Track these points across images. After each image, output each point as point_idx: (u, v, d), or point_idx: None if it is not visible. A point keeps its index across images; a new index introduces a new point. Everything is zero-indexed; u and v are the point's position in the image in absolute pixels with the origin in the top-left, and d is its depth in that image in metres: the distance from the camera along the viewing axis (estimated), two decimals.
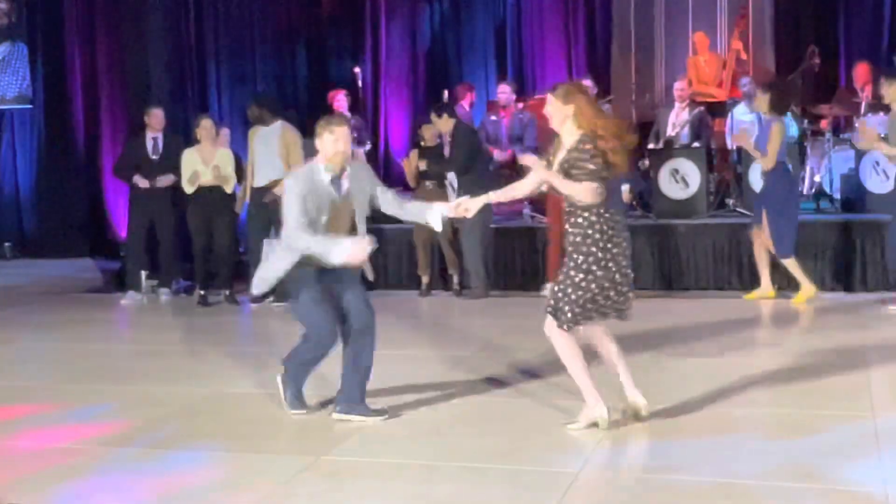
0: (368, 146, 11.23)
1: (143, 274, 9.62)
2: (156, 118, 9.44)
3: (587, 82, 10.71)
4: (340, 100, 11.10)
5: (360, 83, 12.12)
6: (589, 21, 13.13)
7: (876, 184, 9.17)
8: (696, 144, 10.01)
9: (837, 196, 9.66)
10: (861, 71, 10.46)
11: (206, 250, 9.08)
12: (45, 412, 5.44)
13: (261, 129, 8.82)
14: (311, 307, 4.95)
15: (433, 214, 5.03)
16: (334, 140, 4.90)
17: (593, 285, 4.62)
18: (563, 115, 4.71)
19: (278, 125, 8.76)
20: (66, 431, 5.03)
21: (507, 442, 4.60)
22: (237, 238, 9.36)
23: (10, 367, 6.79)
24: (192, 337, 7.68)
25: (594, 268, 4.62)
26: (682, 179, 9.47)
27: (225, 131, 9.87)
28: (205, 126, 8.99)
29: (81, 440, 4.86)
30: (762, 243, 8.15)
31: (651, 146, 10.25)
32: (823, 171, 9.81)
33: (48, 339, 7.81)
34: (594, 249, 4.63)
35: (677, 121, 10.33)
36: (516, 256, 9.43)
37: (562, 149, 4.72)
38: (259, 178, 8.76)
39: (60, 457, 4.61)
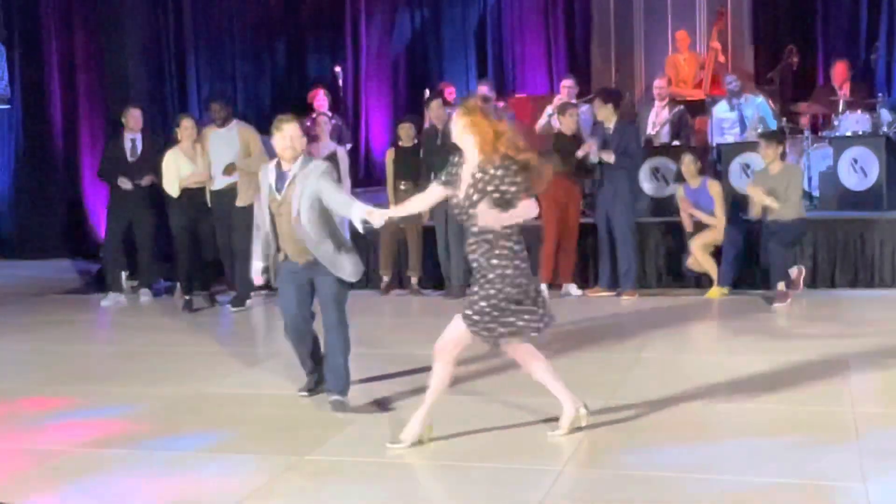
0: (349, 145, 11.21)
1: (123, 275, 9.57)
2: (133, 118, 9.36)
3: (568, 81, 10.79)
4: (320, 98, 11.08)
5: (340, 82, 12.10)
6: (569, 20, 13.17)
7: (854, 181, 9.25)
8: (676, 143, 10.05)
9: (816, 194, 9.72)
10: (839, 69, 10.53)
11: (191, 253, 8.82)
12: (23, 414, 5.40)
13: (216, 131, 8.70)
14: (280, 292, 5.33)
15: (355, 212, 4.93)
16: (281, 138, 5.15)
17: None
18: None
19: (234, 124, 8.74)
20: (45, 434, 5.00)
21: (490, 441, 4.60)
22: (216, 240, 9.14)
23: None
24: (172, 338, 7.63)
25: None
26: (662, 178, 9.51)
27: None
28: (185, 126, 8.73)
29: (60, 442, 4.82)
30: (705, 248, 8.40)
31: None
32: (802, 168, 9.85)
33: (27, 341, 7.73)
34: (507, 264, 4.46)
35: (657, 120, 10.38)
36: None
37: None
38: (218, 181, 8.67)
39: (40, 459, 4.58)
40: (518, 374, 5.79)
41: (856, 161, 9.23)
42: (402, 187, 9.09)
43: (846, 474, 3.99)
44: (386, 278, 9.27)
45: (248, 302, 8.74)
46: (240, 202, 8.58)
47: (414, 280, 9.19)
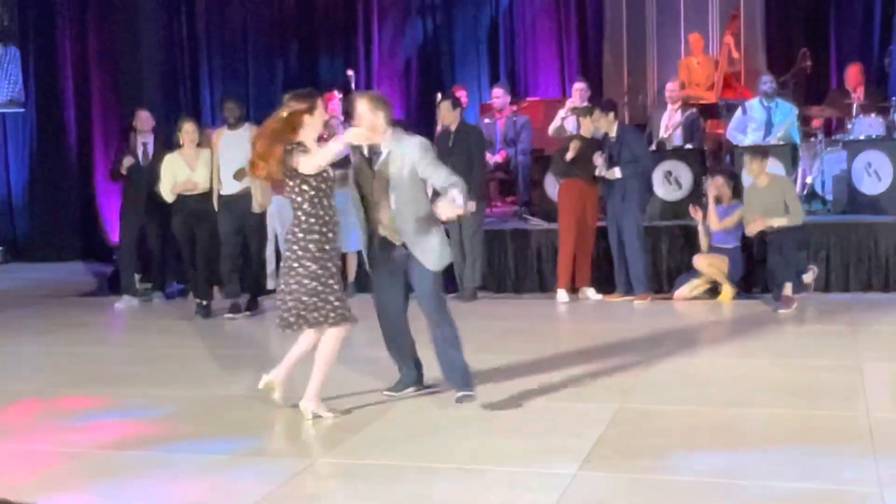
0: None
1: (137, 277, 9.60)
2: (140, 120, 9.38)
3: (579, 85, 10.79)
4: (335, 102, 11.11)
5: (353, 86, 12.11)
6: (581, 23, 13.15)
7: (868, 185, 9.22)
8: (688, 146, 10.04)
9: (829, 197, 9.70)
10: (853, 72, 10.49)
11: (196, 259, 8.62)
12: (40, 416, 5.43)
13: (227, 133, 8.45)
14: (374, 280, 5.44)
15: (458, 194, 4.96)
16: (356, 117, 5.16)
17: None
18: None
19: (246, 127, 8.41)
20: (60, 435, 5.02)
21: (505, 443, 4.60)
22: (218, 247, 8.66)
23: (3, 371, 6.77)
24: (186, 340, 7.66)
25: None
26: (675, 181, 9.50)
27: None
28: (187, 130, 8.50)
29: (75, 444, 4.84)
30: (711, 265, 8.43)
31: None
32: (815, 172, 9.84)
33: (41, 343, 7.79)
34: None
35: (670, 123, 10.36)
36: (508, 258, 9.44)
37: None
38: (228, 186, 8.38)
39: (55, 461, 4.60)
40: (533, 378, 5.80)
41: (870, 165, 9.20)
42: None
43: (862, 480, 3.97)
44: None
45: (259, 305, 8.68)
46: (254, 208, 8.41)
47: None
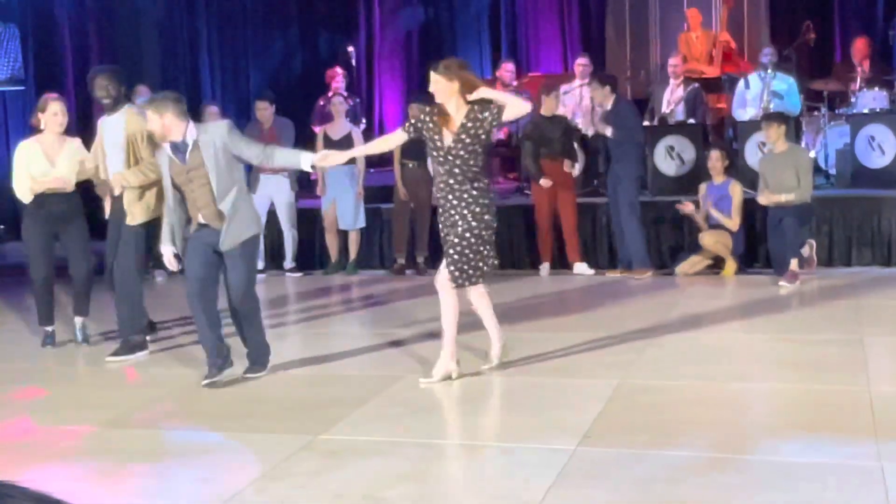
0: (363, 125, 11.18)
1: None
2: (140, 95, 9.34)
3: (582, 60, 10.73)
4: (339, 78, 11.05)
5: (353, 62, 12.06)
6: None
7: (871, 159, 9.17)
8: (691, 121, 9.98)
9: (833, 171, 9.65)
10: (859, 45, 10.41)
11: (49, 278, 6.71)
12: (41, 394, 5.42)
13: (105, 118, 6.39)
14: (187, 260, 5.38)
15: (305, 158, 5.36)
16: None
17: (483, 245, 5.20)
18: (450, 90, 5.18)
19: (123, 111, 6.27)
20: (63, 413, 5.02)
21: (503, 420, 4.60)
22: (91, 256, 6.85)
23: (4, 349, 6.77)
24: (185, 319, 7.63)
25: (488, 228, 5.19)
26: (677, 156, 9.45)
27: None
28: (54, 110, 6.41)
29: (79, 421, 4.85)
30: (717, 241, 8.36)
31: (646, 123, 10.21)
32: (819, 146, 9.78)
33: None
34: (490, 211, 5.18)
35: (672, 98, 10.29)
36: (512, 234, 9.42)
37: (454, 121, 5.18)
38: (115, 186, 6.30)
39: (57, 439, 4.60)
40: (533, 353, 5.79)
41: (873, 138, 9.15)
42: (410, 166, 9.10)
43: (863, 454, 3.96)
44: (400, 260, 9.26)
45: (139, 354, 6.19)
46: (129, 220, 6.21)
47: (420, 260, 9.19)
